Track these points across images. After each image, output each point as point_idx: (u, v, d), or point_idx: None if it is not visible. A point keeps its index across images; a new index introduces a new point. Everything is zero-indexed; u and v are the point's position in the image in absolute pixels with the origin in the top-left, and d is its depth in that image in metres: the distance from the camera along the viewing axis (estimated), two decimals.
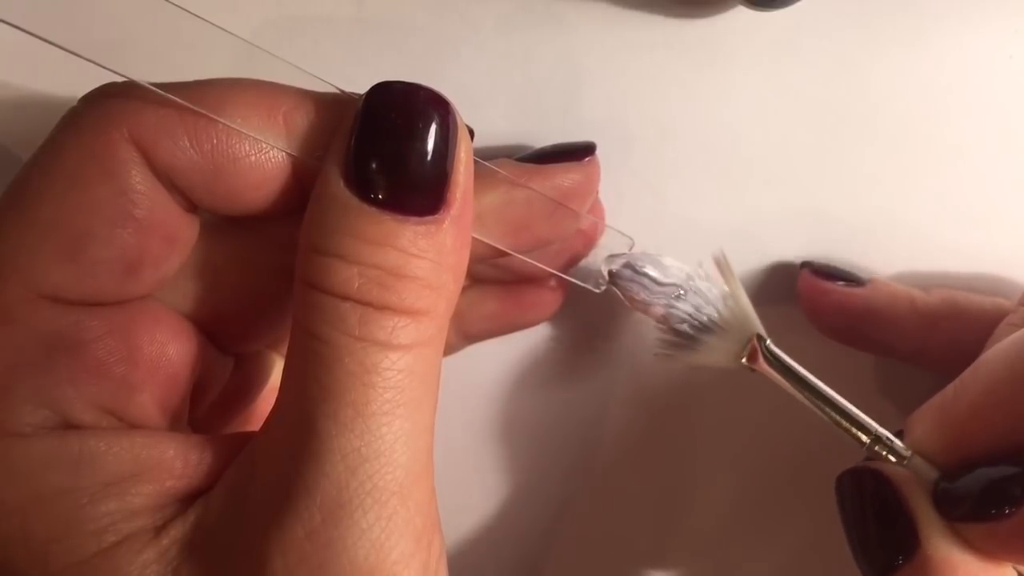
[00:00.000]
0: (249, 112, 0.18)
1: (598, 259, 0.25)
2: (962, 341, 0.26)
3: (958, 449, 0.22)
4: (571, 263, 0.25)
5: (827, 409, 0.23)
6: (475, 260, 0.23)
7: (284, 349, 0.24)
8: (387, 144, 0.17)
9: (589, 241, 0.25)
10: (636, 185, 0.27)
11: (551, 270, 0.24)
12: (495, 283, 0.26)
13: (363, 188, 0.17)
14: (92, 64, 0.17)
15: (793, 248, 0.28)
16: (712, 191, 0.27)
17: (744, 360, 0.24)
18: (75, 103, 0.19)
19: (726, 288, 0.24)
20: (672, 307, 0.24)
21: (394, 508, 0.17)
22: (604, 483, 0.29)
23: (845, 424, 0.23)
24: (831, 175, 0.27)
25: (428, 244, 0.18)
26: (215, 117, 0.18)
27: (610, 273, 0.25)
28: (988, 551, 0.21)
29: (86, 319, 0.18)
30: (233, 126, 0.18)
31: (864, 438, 0.23)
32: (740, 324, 0.24)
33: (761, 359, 0.24)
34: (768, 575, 0.30)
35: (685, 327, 0.24)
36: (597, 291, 0.25)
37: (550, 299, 0.26)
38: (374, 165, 0.17)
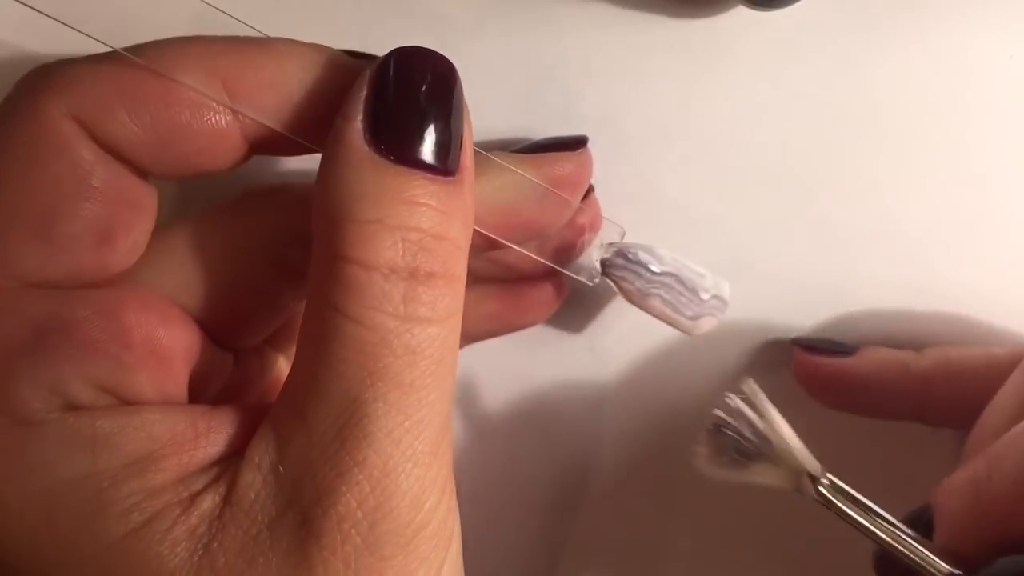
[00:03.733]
0: (195, 73, 0.18)
1: (592, 253, 0.25)
2: (960, 398, 0.26)
3: (996, 530, 0.22)
4: (566, 256, 0.25)
5: (889, 540, 0.22)
6: (470, 252, 0.23)
7: (283, 346, 0.24)
8: (415, 105, 0.18)
9: (583, 234, 0.25)
10: (635, 185, 0.27)
11: (544, 260, 0.24)
12: (494, 283, 0.26)
13: (390, 148, 0.17)
14: (40, 14, 0.17)
15: (793, 248, 0.28)
16: (712, 191, 0.27)
17: (797, 491, 0.23)
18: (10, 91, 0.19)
19: (764, 424, 0.23)
20: (716, 432, 0.23)
21: (427, 466, 0.18)
22: (605, 483, 0.29)
23: (909, 557, 0.22)
24: (831, 175, 0.27)
25: (458, 204, 0.18)
26: (165, 73, 0.18)
27: (602, 262, 0.24)
28: None
29: (72, 300, 0.18)
30: (185, 84, 0.18)
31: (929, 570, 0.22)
32: (787, 461, 0.23)
33: (814, 494, 0.23)
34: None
35: (732, 452, 0.23)
36: (591, 284, 0.25)
37: (549, 299, 0.26)
38: (399, 124, 0.18)
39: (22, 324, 0.18)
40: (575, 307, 0.28)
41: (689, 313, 0.25)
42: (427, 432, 0.18)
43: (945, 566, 0.22)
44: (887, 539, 0.23)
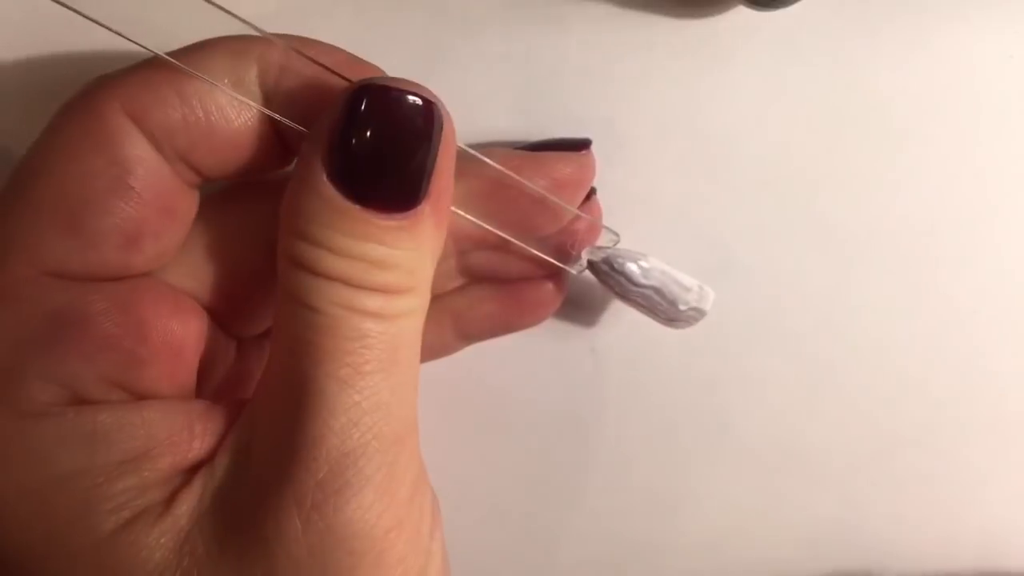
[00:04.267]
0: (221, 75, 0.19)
1: (578, 251, 0.25)
2: None
3: None
4: (560, 256, 0.25)
5: None
6: (468, 244, 0.23)
7: None
8: (374, 147, 0.18)
9: (576, 238, 0.25)
10: (635, 185, 0.27)
11: (532, 249, 0.24)
12: (493, 284, 0.26)
13: (347, 187, 0.18)
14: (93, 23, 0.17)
15: (792, 248, 0.28)
16: (711, 191, 0.27)
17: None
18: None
19: None
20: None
21: (395, 455, 0.18)
22: (605, 483, 0.29)
23: None
24: (831, 175, 0.27)
25: (409, 236, 0.18)
26: (195, 72, 0.18)
27: (590, 262, 0.25)
28: None
29: (89, 293, 0.18)
30: (217, 84, 0.18)
31: None
32: None
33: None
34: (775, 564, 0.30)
35: None
36: (574, 272, 0.25)
37: (549, 300, 0.26)
38: (359, 166, 0.18)
39: (38, 315, 0.18)
40: (575, 308, 0.28)
41: (663, 317, 0.26)
42: (391, 420, 0.18)
43: None
44: None
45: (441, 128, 0.18)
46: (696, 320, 0.26)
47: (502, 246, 0.23)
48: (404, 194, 0.18)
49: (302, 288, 0.18)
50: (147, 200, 0.19)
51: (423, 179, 0.18)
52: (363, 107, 0.18)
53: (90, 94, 0.18)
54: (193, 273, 0.21)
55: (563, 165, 0.23)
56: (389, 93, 0.18)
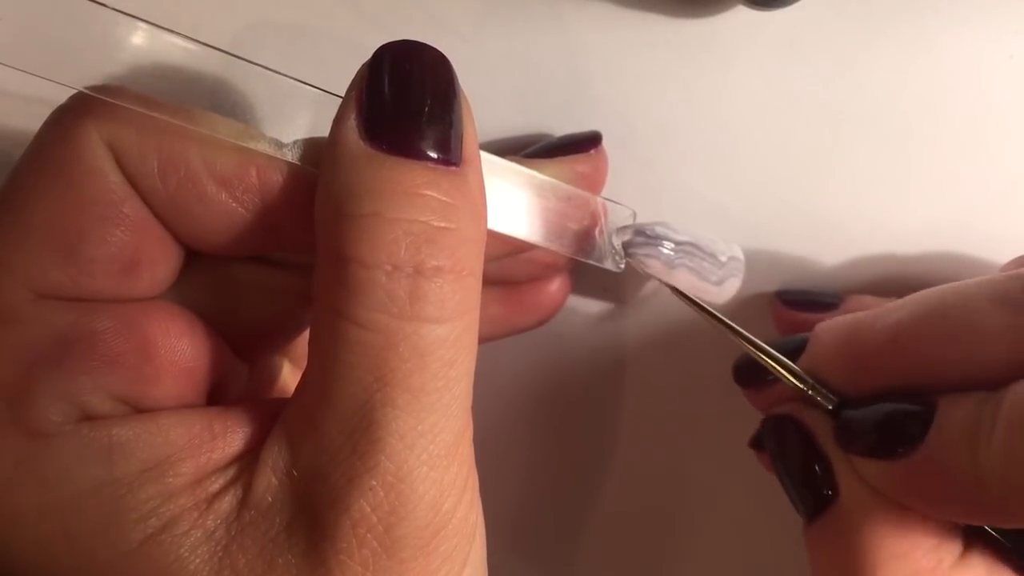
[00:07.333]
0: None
1: (611, 240, 0.24)
2: None
3: (860, 376, 0.22)
4: (589, 245, 0.25)
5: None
6: (491, 258, 0.23)
7: (291, 353, 0.24)
8: (409, 96, 0.17)
9: (600, 220, 0.25)
10: (636, 185, 0.27)
11: (568, 254, 0.23)
12: (496, 285, 0.26)
13: (386, 142, 0.17)
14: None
15: (793, 248, 0.28)
16: (712, 191, 0.27)
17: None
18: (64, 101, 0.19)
19: None
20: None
21: (445, 467, 0.17)
22: (608, 483, 0.29)
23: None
24: (831, 175, 0.27)
25: (461, 193, 0.17)
26: (195, 128, 0.18)
27: (624, 245, 0.24)
28: (886, 491, 0.21)
29: (94, 312, 0.18)
30: (215, 135, 0.18)
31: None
32: None
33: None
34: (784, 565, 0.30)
35: None
36: (618, 270, 0.24)
37: (552, 301, 0.26)
38: (393, 117, 0.17)
39: (42, 335, 0.18)
40: (575, 308, 0.28)
41: (714, 279, 0.25)
42: (443, 435, 0.17)
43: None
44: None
45: (458, 86, 0.18)
46: (740, 272, 0.25)
47: (506, 254, 0.23)
48: (444, 146, 0.17)
49: (351, 297, 0.17)
50: (142, 228, 0.18)
51: (459, 135, 0.18)
52: (386, 57, 0.18)
53: (83, 115, 0.18)
54: (211, 305, 0.20)
55: (579, 168, 0.23)
56: (403, 42, 0.18)
